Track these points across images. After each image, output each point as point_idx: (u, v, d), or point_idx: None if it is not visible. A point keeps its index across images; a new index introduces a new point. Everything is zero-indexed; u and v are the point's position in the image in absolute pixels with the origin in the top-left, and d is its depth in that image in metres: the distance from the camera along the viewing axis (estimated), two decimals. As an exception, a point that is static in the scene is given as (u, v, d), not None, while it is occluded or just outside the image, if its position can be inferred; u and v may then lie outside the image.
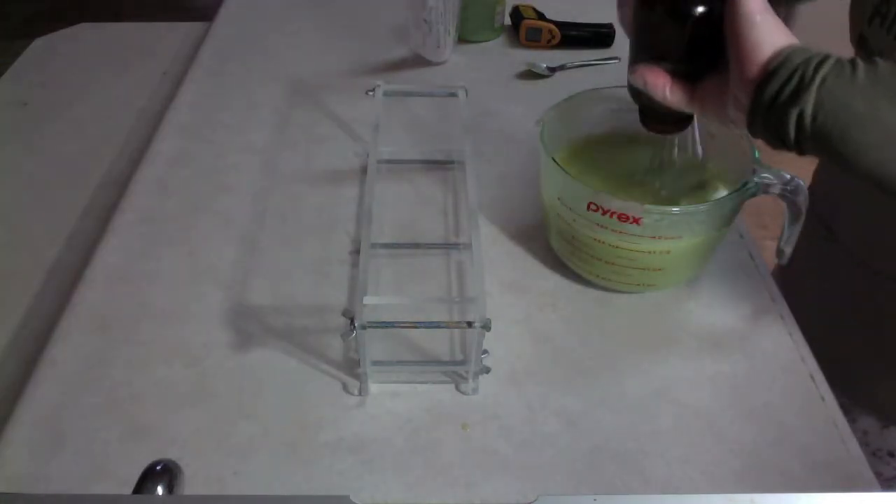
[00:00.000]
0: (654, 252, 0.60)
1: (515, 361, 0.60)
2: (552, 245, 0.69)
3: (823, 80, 0.43)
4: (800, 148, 0.46)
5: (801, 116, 0.44)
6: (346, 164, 0.80)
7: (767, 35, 0.46)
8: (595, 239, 0.61)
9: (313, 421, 0.55)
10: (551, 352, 0.61)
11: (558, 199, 0.62)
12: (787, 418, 0.57)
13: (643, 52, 0.53)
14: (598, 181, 0.66)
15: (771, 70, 0.45)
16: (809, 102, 0.43)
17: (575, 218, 0.61)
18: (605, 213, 0.58)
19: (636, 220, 0.57)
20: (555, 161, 0.60)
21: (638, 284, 0.65)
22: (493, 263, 0.68)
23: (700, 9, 0.48)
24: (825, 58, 0.44)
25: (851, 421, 0.72)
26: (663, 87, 0.52)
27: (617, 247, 0.60)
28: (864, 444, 0.72)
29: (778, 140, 0.46)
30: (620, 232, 0.59)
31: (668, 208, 0.57)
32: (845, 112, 0.43)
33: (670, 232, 0.58)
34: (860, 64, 0.44)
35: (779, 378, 0.60)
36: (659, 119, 0.56)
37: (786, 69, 0.44)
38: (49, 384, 0.57)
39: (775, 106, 0.45)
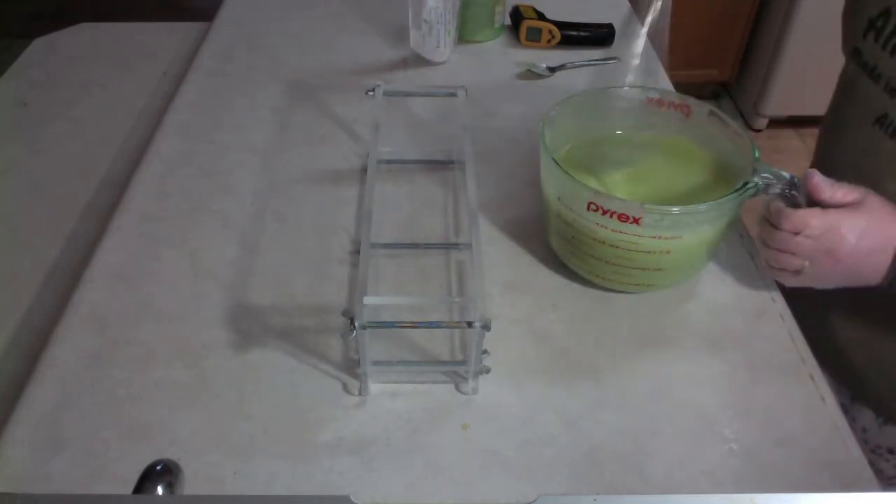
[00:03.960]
0: (654, 252, 0.60)
1: (515, 361, 0.60)
2: (552, 245, 0.69)
3: None
4: None
5: None
6: (346, 164, 0.80)
7: None
8: (595, 239, 0.61)
9: (313, 421, 0.55)
10: (551, 352, 0.61)
11: (558, 198, 0.62)
12: (787, 418, 0.57)
13: None
14: (598, 181, 0.66)
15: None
16: None
17: (575, 218, 0.61)
18: (605, 213, 0.58)
19: (636, 220, 0.57)
20: (555, 161, 0.60)
21: (638, 284, 0.65)
22: (493, 263, 0.68)
23: None
24: None
25: (851, 420, 0.72)
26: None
27: (617, 247, 0.60)
28: (863, 441, 0.72)
29: None
30: (620, 232, 0.59)
31: (668, 208, 0.56)
32: None
33: (670, 232, 0.58)
34: None
35: (779, 378, 0.60)
36: None
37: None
38: (49, 384, 0.57)
39: None
